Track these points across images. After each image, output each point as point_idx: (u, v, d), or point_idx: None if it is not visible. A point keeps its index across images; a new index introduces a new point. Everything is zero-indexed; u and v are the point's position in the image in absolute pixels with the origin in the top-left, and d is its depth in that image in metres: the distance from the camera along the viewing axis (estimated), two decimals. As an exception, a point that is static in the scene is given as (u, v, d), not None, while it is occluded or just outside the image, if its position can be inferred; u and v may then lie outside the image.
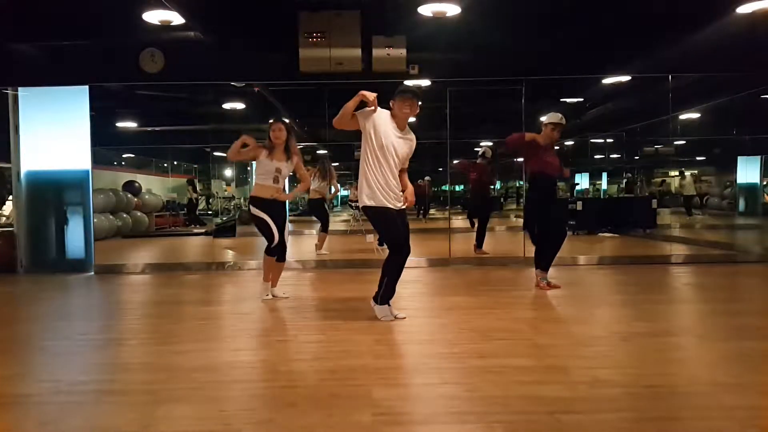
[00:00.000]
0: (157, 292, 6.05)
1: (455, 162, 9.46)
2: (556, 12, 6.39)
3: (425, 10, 5.89)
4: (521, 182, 14.47)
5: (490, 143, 9.14)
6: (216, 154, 15.01)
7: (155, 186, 14.80)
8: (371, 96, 4.03)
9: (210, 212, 15.58)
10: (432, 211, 16.80)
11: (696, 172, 14.29)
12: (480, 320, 4.25)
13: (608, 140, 14.13)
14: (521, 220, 8.05)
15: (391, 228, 4.17)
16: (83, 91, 7.13)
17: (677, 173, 14.42)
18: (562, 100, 9.99)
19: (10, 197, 9.20)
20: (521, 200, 14.19)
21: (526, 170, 5.56)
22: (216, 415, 2.52)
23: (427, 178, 15.91)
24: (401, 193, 4.21)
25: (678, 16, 6.34)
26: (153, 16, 5.88)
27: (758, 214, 12.33)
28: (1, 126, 7.25)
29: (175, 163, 16.73)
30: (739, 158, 12.35)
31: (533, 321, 4.38)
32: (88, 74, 7.06)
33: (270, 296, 5.10)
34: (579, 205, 11.19)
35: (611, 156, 14.93)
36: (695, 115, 11.05)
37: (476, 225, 8.25)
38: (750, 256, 7.97)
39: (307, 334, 3.94)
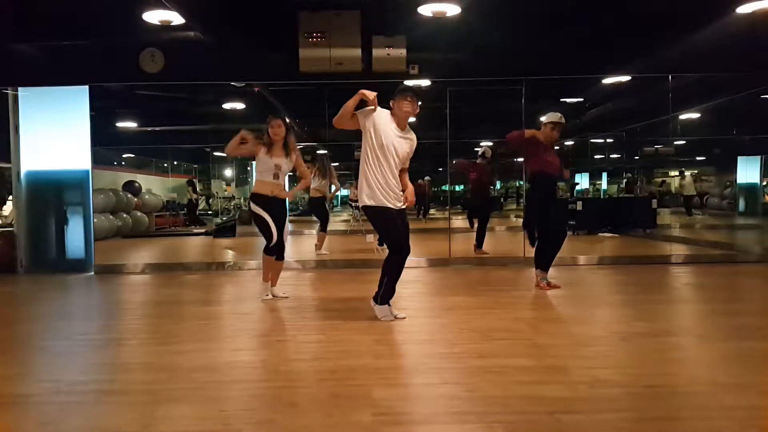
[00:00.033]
0: (157, 292, 6.05)
1: (454, 161, 9.46)
2: (556, 12, 6.39)
3: (425, 10, 5.89)
4: (521, 182, 14.48)
5: (490, 143, 9.14)
6: (216, 154, 15.00)
7: (155, 186, 14.80)
8: (371, 95, 4.04)
9: (210, 212, 15.58)
10: (432, 211, 16.79)
11: (696, 171, 14.29)
12: (480, 320, 4.25)
13: (608, 140, 14.13)
14: (521, 220, 8.05)
15: (391, 228, 4.17)
16: (83, 91, 7.14)
17: (677, 173, 14.42)
18: (562, 100, 9.98)
19: (10, 197, 9.20)
20: (521, 200, 14.19)
21: (526, 170, 5.56)
22: (216, 415, 2.52)
23: (426, 177, 15.90)
24: (401, 193, 4.21)
25: (678, 16, 6.34)
26: (153, 16, 5.88)
27: (758, 214, 12.33)
28: (1, 126, 7.25)
29: (175, 163, 16.72)
30: (739, 158, 12.36)
31: (533, 321, 4.38)
32: (88, 74, 7.06)
33: (270, 296, 5.10)
34: (579, 205, 11.19)
35: (611, 156, 14.94)
36: (695, 115, 11.05)
37: (476, 225, 8.25)
38: (750, 256, 7.97)
39: (307, 334, 3.94)
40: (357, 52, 6.59)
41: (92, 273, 7.16)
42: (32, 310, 5.23)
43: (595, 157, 14.84)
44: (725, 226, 12.88)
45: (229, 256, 8.87)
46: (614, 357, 3.36)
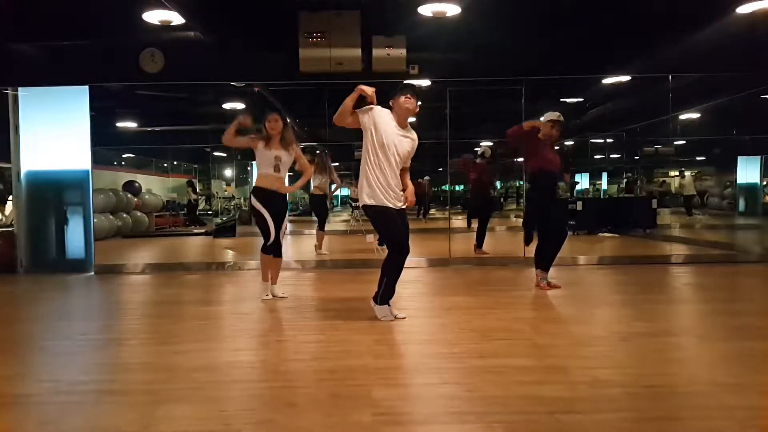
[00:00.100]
0: (157, 292, 6.05)
1: (461, 157, 9.45)
2: (556, 12, 6.39)
3: (425, 10, 5.89)
4: (521, 182, 14.48)
5: (490, 143, 9.14)
6: (216, 154, 15.02)
7: (155, 186, 14.81)
8: (370, 90, 4.04)
9: (210, 212, 15.59)
10: (432, 211, 16.79)
11: (698, 171, 14.28)
12: (480, 320, 4.25)
13: (608, 140, 14.14)
14: (521, 220, 8.05)
15: (391, 227, 4.16)
16: (83, 91, 7.13)
17: (677, 173, 14.42)
18: (562, 100, 9.99)
19: (10, 197, 9.20)
20: (521, 200, 14.19)
21: (526, 169, 5.55)
22: (216, 415, 2.52)
23: (426, 177, 15.90)
24: (402, 193, 4.21)
25: (678, 16, 6.34)
26: (153, 16, 5.89)
27: (758, 214, 12.34)
28: (1, 126, 7.25)
29: (175, 163, 16.73)
30: (739, 158, 12.36)
31: (533, 321, 4.38)
32: (88, 74, 7.06)
33: (270, 296, 5.10)
34: (579, 205, 11.19)
35: (611, 156, 14.94)
36: (695, 115, 11.06)
37: (476, 225, 8.25)
38: (750, 256, 7.97)
39: (306, 334, 3.94)
40: (357, 52, 6.59)
41: (92, 273, 7.16)
42: (32, 310, 5.23)
43: (595, 157, 14.84)
44: (725, 226, 12.88)
45: (229, 256, 8.87)
46: (614, 357, 3.36)
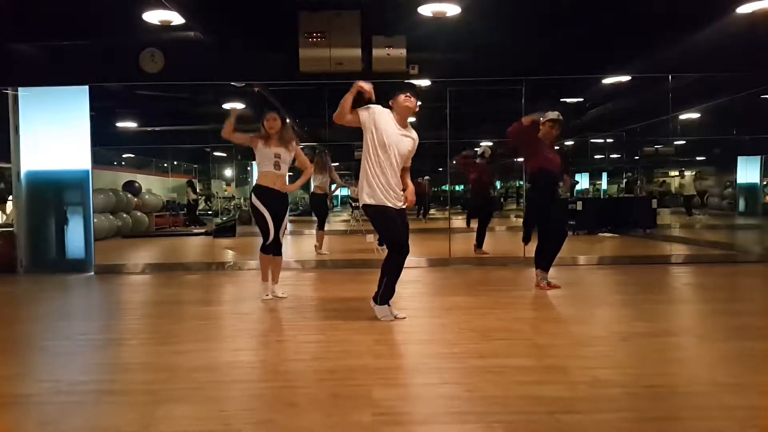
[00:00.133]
0: (157, 292, 6.05)
1: (457, 156, 9.46)
2: (556, 12, 6.39)
3: (425, 10, 5.89)
4: (521, 182, 14.48)
5: (490, 143, 9.14)
6: (216, 154, 15.03)
7: (155, 186, 14.81)
8: (367, 86, 4.04)
9: (210, 212, 15.59)
10: (432, 211, 16.79)
11: (697, 172, 14.28)
12: (480, 320, 4.25)
13: (608, 140, 14.14)
14: (521, 220, 8.06)
15: (390, 227, 4.16)
16: (83, 91, 7.13)
17: (677, 173, 14.43)
18: (562, 100, 9.98)
19: (10, 197, 9.20)
20: (521, 200, 14.20)
21: (526, 169, 5.55)
22: (216, 415, 2.52)
23: (426, 177, 15.90)
24: (402, 193, 4.21)
25: (678, 16, 6.34)
26: (153, 16, 5.88)
27: (758, 214, 12.33)
28: (1, 126, 7.25)
29: (175, 163, 16.74)
30: (739, 158, 12.36)
31: (533, 321, 4.38)
32: (88, 74, 7.06)
33: (270, 296, 5.10)
34: (579, 205, 11.19)
35: (611, 156, 14.94)
36: (695, 115, 11.05)
37: (475, 224, 8.25)
38: (750, 256, 7.97)
39: (306, 334, 3.94)
40: (357, 52, 6.59)
41: (92, 273, 7.16)
42: (32, 310, 5.23)
43: (595, 157, 14.84)
44: (725, 226, 12.88)
45: (229, 256, 8.87)
46: (614, 357, 3.36)
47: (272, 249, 5.00)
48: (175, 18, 5.86)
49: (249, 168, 15.04)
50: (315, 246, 8.44)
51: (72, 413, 2.58)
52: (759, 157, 12.10)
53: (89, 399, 2.76)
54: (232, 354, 3.50)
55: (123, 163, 15.31)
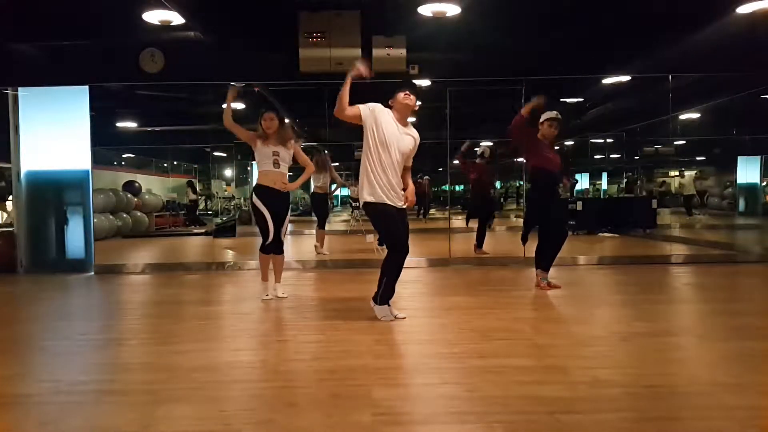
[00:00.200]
0: (157, 292, 6.05)
1: (457, 154, 9.46)
2: (556, 12, 6.39)
3: (425, 10, 5.89)
4: (521, 182, 14.48)
5: (490, 143, 9.14)
6: (216, 154, 15.01)
7: (155, 186, 14.81)
8: (363, 67, 4.00)
9: (210, 212, 15.59)
10: (432, 211, 16.79)
11: (697, 172, 14.28)
12: (480, 320, 4.25)
13: (608, 140, 14.13)
14: (521, 220, 8.06)
15: (390, 227, 4.16)
16: (83, 91, 7.14)
17: (677, 173, 14.42)
18: (562, 100, 9.98)
19: (10, 197, 9.20)
20: (521, 200, 14.20)
21: (526, 168, 5.55)
22: (216, 415, 2.52)
23: (426, 177, 15.89)
24: (402, 192, 4.20)
25: (678, 16, 6.34)
26: (153, 16, 5.89)
27: (758, 214, 12.33)
28: (1, 126, 7.25)
29: (175, 163, 16.74)
30: (739, 158, 12.36)
31: (533, 321, 4.38)
32: (88, 74, 7.06)
33: (270, 296, 5.10)
34: (579, 205, 11.19)
35: (611, 156, 14.93)
36: (695, 115, 11.05)
37: (475, 224, 8.26)
38: (750, 256, 7.97)
39: (306, 334, 3.94)
40: (357, 52, 6.58)
41: (92, 273, 7.16)
42: (32, 310, 5.23)
43: (595, 157, 14.83)
44: (725, 226, 12.88)
45: (229, 256, 8.87)
46: (614, 357, 3.36)
47: (272, 248, 5.00)
48: (175, 18, 5.86)
49: (249, 168, 15.02)
50: (315, 246, 8.44)
51: (72, 413, 2.58)
52: (759, 157, 12.09)
53: (89, 399, 2.76)
54: (232, 354, 3.50)
55: (123, 163, 15.32)
